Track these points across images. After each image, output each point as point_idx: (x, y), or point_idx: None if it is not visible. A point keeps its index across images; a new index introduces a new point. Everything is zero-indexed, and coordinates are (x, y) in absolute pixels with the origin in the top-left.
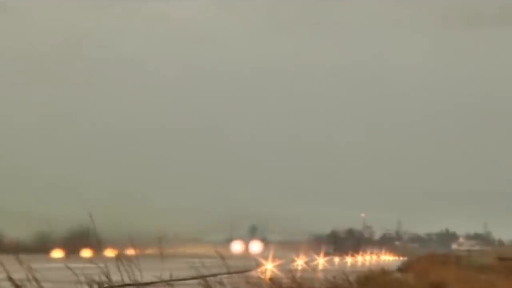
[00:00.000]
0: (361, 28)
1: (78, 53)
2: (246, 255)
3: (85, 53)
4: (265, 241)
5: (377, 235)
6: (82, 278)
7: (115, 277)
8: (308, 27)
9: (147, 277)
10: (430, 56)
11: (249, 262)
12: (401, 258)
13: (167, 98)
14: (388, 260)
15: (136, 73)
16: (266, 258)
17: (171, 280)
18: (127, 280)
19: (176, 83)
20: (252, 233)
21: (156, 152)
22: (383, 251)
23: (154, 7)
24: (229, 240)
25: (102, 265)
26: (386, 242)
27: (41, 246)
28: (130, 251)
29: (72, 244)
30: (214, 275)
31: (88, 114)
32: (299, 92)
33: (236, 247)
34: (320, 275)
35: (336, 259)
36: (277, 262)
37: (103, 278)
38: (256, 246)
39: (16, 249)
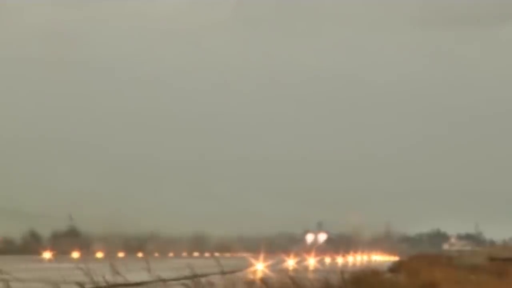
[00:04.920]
0: (334, 28)
1: (59, 50)
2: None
3: (66, 50)
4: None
5: (367, 236)
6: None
7: (105, 278)
8: (280, 26)
9: (137, 277)
10: (404, 55)
11: (242, 262)
12: (392, 258)
13: (154, 94)
14: (379, 260)
15: (114, 69)
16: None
17: (161, 280)
18: (117, 280)
19: (152, 79)
20: (319, 227)
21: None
22: (374, 251)
23: (127, 5)
24: (305, 233)
25: (91, 265)
26: (377, 243)
27: (30, 246)
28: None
29: (61, 245)
30: (205, 275)
31: (83, 112)
32: (271, 91)
33: (309, 237)
34: (311, 275)
35: (327, 259)
36: (268, 262)
37: (93, 279)
38: (322, 237)
39: (5, 249)
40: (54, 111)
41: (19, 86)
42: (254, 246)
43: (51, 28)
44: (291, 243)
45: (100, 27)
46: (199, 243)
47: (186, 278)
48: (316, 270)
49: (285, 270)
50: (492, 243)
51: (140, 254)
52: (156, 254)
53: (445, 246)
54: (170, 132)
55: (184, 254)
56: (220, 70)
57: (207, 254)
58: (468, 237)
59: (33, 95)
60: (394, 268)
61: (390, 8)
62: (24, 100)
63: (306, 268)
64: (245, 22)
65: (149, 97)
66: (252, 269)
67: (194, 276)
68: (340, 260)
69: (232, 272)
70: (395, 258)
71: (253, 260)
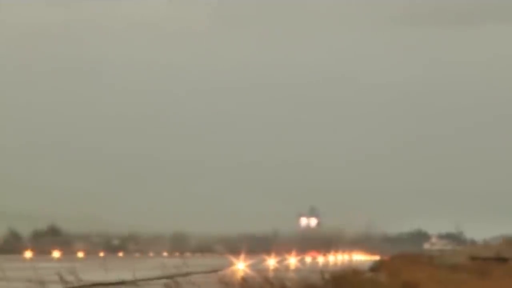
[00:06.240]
0: (318, 26)
1: (45, 49)
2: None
3: (54, 49)
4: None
5: (348, 235)
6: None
7: (85, 276)
8: (262, 25)
9: (118, 276)
10: (388, 53)
11: (222, 262)
12: (373, 258)
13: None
14: (360, 259)
15: (99, 70)
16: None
17: (141, 279)
18: (97, 279)
19: (138, 80)
20: (312, 212)
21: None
22: (356, 251)
23: (108, 6)
24: (299, 215)
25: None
26: (358, 242)
27: (10, 246)
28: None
29: (41, 244)
30: (186, 274)
31: (65, 113)
32: (254, 90)
33: (303, 221)
34: (292, 274)
35: (308, 259)
36: (249, 262)
37: (72, 278)
38: (313, 221)
39: None
40: (35, 112)
41: (5, 85)
42: (236, 246)
43: (37, 28)
44: (271, 241)
45: (83, 28)
46: (180, 243)
47: (166, 277)
48: (297, 270)
49: (266, 270)
50: (472, 243)
51: (120, 254)
52: (137, 254)
53: (426, 246)
54: (153, 132)
55: (165, 253)
56: (203, 70)
57: (188, 254)
58: (449, 237)
59: (16, 95)
60: (375, 268)
61: (374, 7)
62: (7, 100)
63: (287, 268)
64: (226, 22)
65: (133, 97)
66: (232, 268)
67: (174, 276)
68: (321, 259)
69: (212, 271)
70: (376, 258)
71: (234, 260)
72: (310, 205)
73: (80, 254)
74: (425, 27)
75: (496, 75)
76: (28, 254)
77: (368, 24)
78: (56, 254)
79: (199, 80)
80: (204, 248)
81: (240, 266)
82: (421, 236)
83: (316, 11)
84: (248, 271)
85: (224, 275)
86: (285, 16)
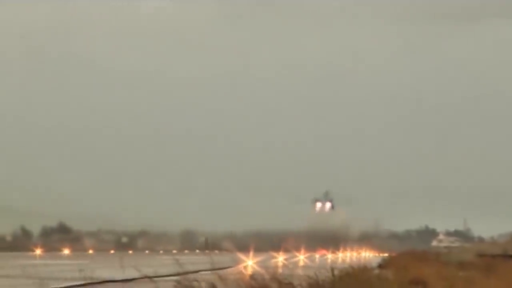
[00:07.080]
0: (318, 25)
1: (39, 47)
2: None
3: (48, 46)
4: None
5: (356, 232)
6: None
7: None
8: (262, 24)
9: (130, 273)
10: (395, 51)
11: (231, 259)
12: (381, 255)
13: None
14: (369, 256)
15: (97, 65)
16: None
17: (153, 276)
18: (107, 276)
19: (139, 77)
20: (326, 196)
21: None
22: (364, 248)
23: (107, 6)
24: (314, 201)
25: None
26: (366, 239)
27: (21, 243)
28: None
29: (52, 242)
30: (196, 271)
31: (72, 109)
32: (254, 84)
33: (318, 205)
34: (301, 271)
35: (317, 256)
36: (258, 259)
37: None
38: (328, 206)
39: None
40: (42, 109)
41: (2, 83)
42: (244, 243)
43: (34, 24)
44: (279, 238)
45: (85, 25)
46: (189, 240)
47: (176, 274)
48: (306, 267)
49: (275, 267)
50: (480, 240)
51: (130, 251)
52: (147, 251)
53: (434, 243)
54: (159, 131)
55: (174, 251)
56: (204, 66)
57: (197, 251)
58: (456, 234)
59: (17, 92)
60: (383, 265)
61: (374, 4)
62: (9, 97)
63: (296, 265)
64: (226, 22)
65: (135, 94)
66: (241, 266)
67: (184, 273)
68: (329, 256)
69: (221, 269)
70: (384, 255)
71: (242, 257)
72: (326, 190)
73: (90, 251)
74: (428, 25)
75: (502, 71)
76: (38, 251)
77: (376, 20)
78: (66, 251)
79: (199, 79)
80: (213, 245)
81: (249, 263)
82: (429, 233)
83: (317, 10)
84: (257, 268)
85: (232, 273)
86: (285, 15)
